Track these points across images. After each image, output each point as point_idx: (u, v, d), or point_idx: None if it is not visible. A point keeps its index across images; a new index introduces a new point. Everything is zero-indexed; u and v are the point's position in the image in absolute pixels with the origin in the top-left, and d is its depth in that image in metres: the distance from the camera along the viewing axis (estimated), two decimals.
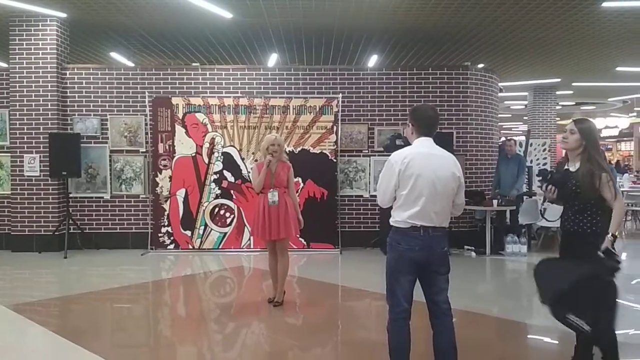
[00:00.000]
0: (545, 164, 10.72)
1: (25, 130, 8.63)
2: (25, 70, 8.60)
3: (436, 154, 3.32)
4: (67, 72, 8.91)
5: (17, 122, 8.63)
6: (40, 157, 8.61)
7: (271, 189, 5.34)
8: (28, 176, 8.65)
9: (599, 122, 23.04)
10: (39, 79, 8.61)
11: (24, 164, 8.63)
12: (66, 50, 8.98)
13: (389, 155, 3.41)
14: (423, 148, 3.31)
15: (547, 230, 9.29)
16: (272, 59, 11.75)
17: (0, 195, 8.95)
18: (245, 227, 8.65)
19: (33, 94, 8.61)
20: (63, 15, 8.48)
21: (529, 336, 5.11)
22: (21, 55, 8.60)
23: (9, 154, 8.77)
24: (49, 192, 8.68)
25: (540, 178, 3.73)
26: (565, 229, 3.67)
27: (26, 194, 8.65)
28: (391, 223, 3.32)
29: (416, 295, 3.32)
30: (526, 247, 8.54)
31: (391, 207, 3.37)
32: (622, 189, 11.09)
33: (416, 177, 3.20)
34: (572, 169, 3.60)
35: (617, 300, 3.28)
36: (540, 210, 8.13)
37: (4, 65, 10.45)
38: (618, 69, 12.86)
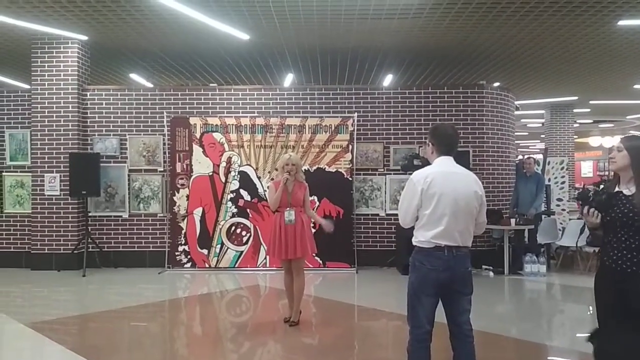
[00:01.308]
0: (563, 182, 10.60)
1: (46, 150, 8.78)
2: (46, 92, 8.79)
3: (458, 173, 3.32)
4: (88, 93, 9.08)
5: (38, 142, 8.80)
6: (60, 176, 8.74)
7: (288, 208, 5.36)
8: (48, 195, 8.78)
9: (617, 140, 22.80)
10: (60, 100, 8.79)
11: (45, 184, 8.77)
12: (87, 71, 9.17)
13: (405, 175, 3.41)
14: (444, 167, 3.31)
15: (567, 250, 9.16)
16: (288, 79, 11.87)
17: (20, 214, 9.09)
18: (262, 246, 8.66)
19: (54, 114, 8.79)
20: (84, 37, 8.68)
21: (548, 358, 5.02)
22: (43, 77, 8.79)
23: (30, 174, 8.92)
24: (69, 211, 8.79)
25: (580, 200, 3.15)
26: (619, 270, 2.97)
27: (46, 213, 8.77)
28: (414, 243, 3.31)
29: (436, 316, 3.29)
30: (545, 266, 8.43)
31: (410, 227, 3.36)
32: None
33: (439, 196, 3.19)
34: (626, 192, 3.04)
35: None
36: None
37: (26, 86, 10.68)
38: (635, 86, 12.76)
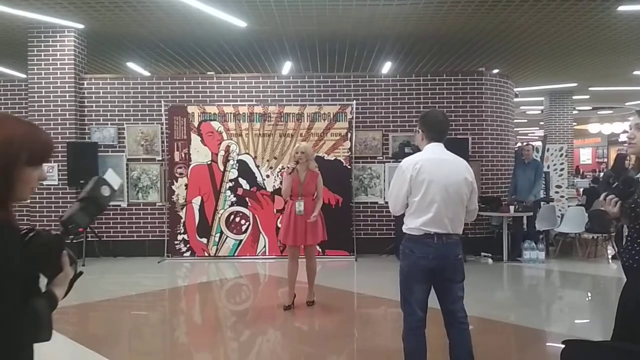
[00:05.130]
0: (562, 169, 10.59)
1: None
2: (43, 81, 8.73)
3: (448, 159, 3.28)
4: (85, 82, 9.03)
5: None
6: (58, 166, 8.71)
7: (299, 198, 5.43)
8: (46, 185, 8.75)
9: (617, 127, 22.76)
10: (57, 89, 8.74)
11: None
12: (84, 60, 9.11)
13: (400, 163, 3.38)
14: (434, 154, 3.28)
15: (565, 237, 9.18)
16: (286, 67, 11.80)
17: (18, 203, 9.04)
18: (261, 235, 8.67)
19: (51, 104, 8.74)
20: (80, 26, 8.61)
21: (547, 344, 5.04)
22: (39, 66, 8.73)
23: None
24: (67, 201, 8.77)
25: (600, 187, 2.72)
26: (623, 264, 2.62)
27: (45, 203, 8.76)
28: (404, 230, 3.29)
29: (431, 302, 3.29)
30: (544, 253, 8.44)
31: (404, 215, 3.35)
32: None
33: (428, 183, 3.16)
34: None
35: None
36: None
37: (23, 75, 10.62)
38: (635, 72, 12.71)
